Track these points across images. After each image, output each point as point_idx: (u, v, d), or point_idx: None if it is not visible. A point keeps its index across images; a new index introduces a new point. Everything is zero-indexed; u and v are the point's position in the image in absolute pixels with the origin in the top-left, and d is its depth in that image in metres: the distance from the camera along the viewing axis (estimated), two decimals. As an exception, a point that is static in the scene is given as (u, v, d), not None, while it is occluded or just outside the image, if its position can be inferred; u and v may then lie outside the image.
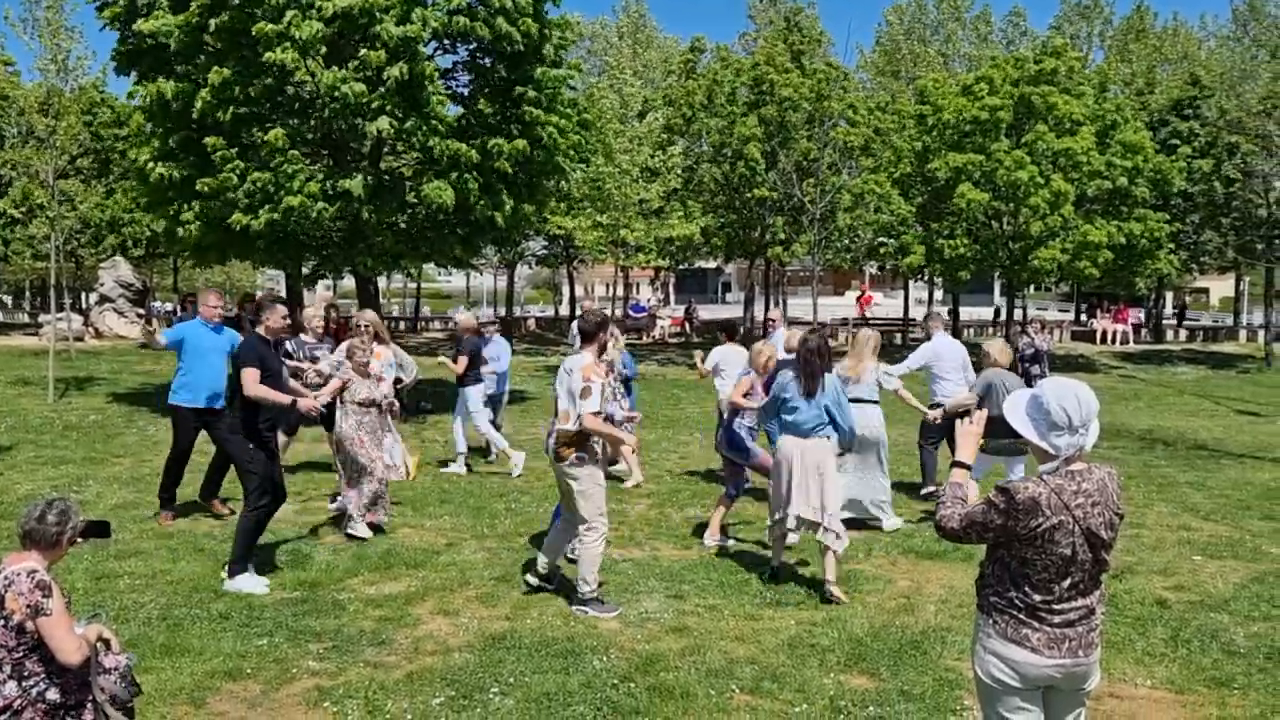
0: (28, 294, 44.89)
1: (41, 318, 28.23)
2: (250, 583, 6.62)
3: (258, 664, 5.37)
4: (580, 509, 6.27)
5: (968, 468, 3.45)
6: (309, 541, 7.87)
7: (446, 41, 15.70)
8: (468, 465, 10.96)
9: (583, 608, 6.27)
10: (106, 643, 4.20)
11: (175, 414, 8.46)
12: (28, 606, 3.69)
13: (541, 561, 6.67)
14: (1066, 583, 3.15)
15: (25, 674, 3.80)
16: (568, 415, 6.20)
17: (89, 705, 3.93)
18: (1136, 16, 42.06)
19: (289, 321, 7.81)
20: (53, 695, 3.84)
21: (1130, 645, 5.83)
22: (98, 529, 4.17)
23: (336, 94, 13.22)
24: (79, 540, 4.13)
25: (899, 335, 33.40)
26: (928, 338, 10.13)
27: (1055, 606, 3.15)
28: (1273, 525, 8.94)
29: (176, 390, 8.34)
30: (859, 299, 37.14)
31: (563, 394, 6.26)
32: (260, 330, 7.32)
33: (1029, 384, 12.68)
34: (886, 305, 58.05)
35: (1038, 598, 3.16)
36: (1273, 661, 5.61)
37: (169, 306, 43.48)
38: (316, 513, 8.79)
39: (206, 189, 13.58)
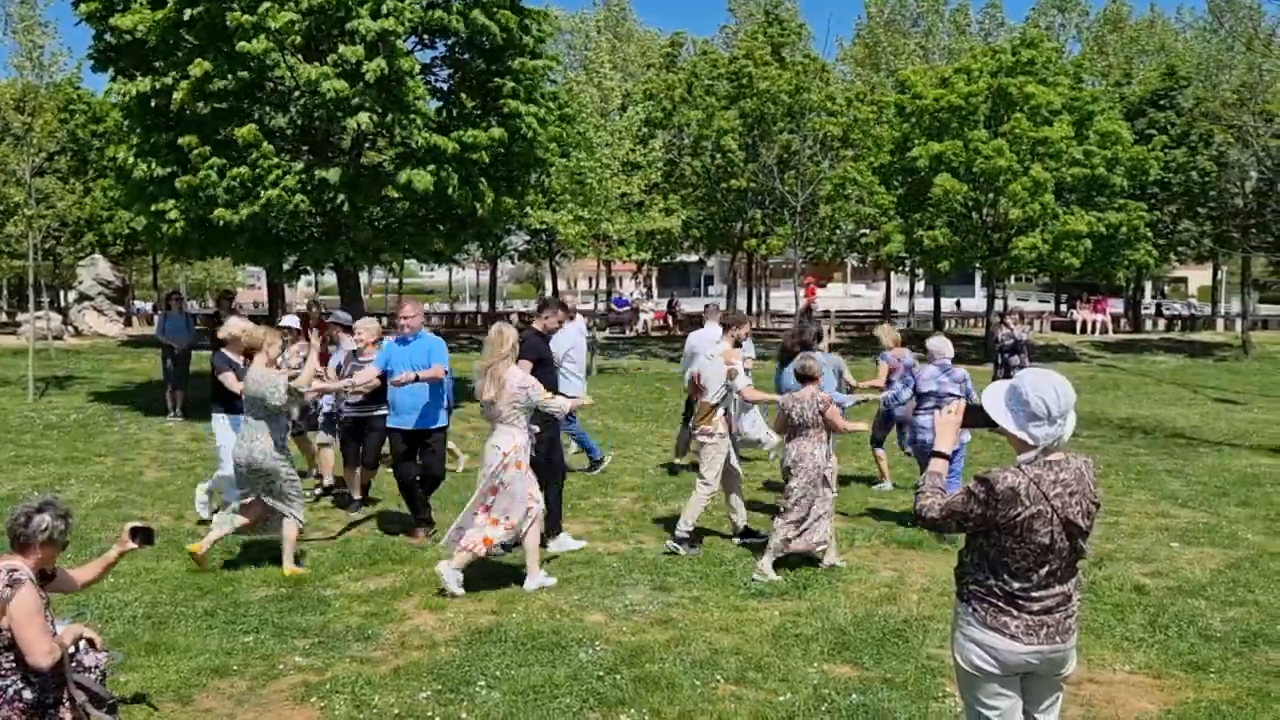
0: (5, 293, 44.49)
1: (20, 316, 28.00)
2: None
3: (244, 661, 5.38)
4: (702, 468, 7.66)
5: (948, 457, 3.48)
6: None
7: (425, 36, 15.66)
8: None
9: (675, 544, 7.51)
10: (91, 642, 4.21)
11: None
12: None
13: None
14: (1044, 570, 3.20)
15: (1, 673, 3.81)
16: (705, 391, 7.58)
17: (66, 703, 3.94)
18: (1113, 8, 42.32)
19: (561, 323, 8.32)
20: (29, 695, 3.85)
21: (1109, 631, 5.91)
22: (145, 535, 4.45)
23: (316, 90, 13.18)
24: (133, 545, 4.41)
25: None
26: (700, 327, 10.62)
27: (1033, 594, 3.20)
28: (1249, 512, 9.05)
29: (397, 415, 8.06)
30: (806, 291, 37.19)
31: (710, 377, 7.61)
32: (537, 327, 7.97)
33: (1008, 375, 12.79)
34: (869, 297, 58.23)
35: (1016, 585, 3.21)
36: (1248, 646, 5.69)
37: (147, 305, 43.21)
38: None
39: (186, 186, 13.51)
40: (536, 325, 8.03)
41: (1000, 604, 3.22)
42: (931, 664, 5.36)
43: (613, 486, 9.99)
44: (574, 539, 7.78)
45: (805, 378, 7.29)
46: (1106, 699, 5.01)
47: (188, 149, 13.49)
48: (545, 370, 7.66)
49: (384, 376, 8.01)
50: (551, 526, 7.57)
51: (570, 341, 10.08)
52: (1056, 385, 3.21)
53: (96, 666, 4.20)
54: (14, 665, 3.82)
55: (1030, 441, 3.22)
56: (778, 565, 7.05)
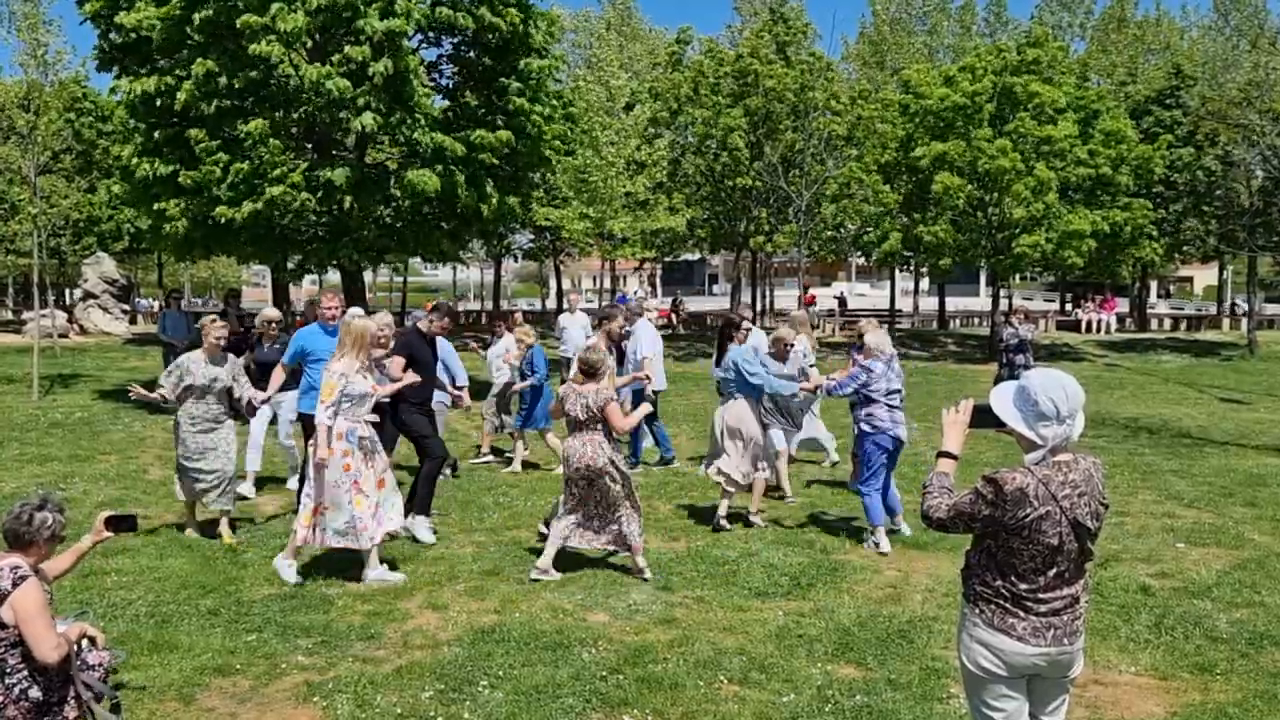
0: (10, 291, 44.59)
1: (25, 315, 28.05)
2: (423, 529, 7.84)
3: (247, 660, 5.37)
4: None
5: (954, 458, 3.46)
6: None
7: (431, 34, 15.65)
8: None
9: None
10: (93, 640, 4.21)
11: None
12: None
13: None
14: (1052, 572, 3.18)
15: (7, 670, 3.82)
16: None
17: (71, 701, 3.95)
18: (1117, 6, 42.25)
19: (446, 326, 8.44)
20: (35, 693, 3.86)
21: (1115, 632, 5.88)
22: (126, 523, 4.43)
23: (321, 90, 13.17)
24: (109, 533, 4.38)
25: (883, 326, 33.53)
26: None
27: (1041, 595, 3.18)
28: (1255, 512, 9.01)
29: (306, 397, 7.87)
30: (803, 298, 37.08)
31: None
32: (420, 326, 8.23)
33: (1012, 375, 12.72)
34: (873, 296, 58.18)
35: (1023, 586, 3.18)
36: (1254, 647, 5.66)
37: (152, 303, 43.27)
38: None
39: (190, 182, 13.52)
40: (420, 324, 8.31)
41: (1007, 605, 3.20)
42: (936, 665, 5.34)
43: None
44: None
45: (587, 374, 6.82)
46: (1112, 701, 4.99)
47: (194, 143, 13.49)
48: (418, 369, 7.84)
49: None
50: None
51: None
52: (1065, 385, 3.19)
53: (100, 665, 4.21)
54: (20, 663, 3.83)
55: (1039, 441, 3.20)
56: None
